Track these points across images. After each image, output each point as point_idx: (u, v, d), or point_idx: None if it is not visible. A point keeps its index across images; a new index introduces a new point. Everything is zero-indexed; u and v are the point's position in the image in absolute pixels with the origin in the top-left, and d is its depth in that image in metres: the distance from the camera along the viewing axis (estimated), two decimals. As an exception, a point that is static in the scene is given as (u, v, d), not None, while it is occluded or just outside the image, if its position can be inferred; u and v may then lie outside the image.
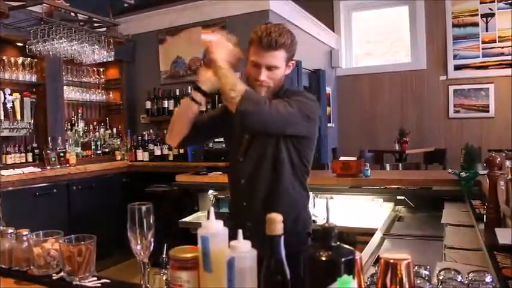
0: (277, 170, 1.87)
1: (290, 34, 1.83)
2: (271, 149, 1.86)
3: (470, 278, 1.25)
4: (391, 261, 0.88)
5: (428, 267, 1.37)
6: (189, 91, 1.89)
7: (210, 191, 3.73)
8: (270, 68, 1.80)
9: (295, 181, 1.93)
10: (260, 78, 1.81)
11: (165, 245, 1.55)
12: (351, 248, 0.84)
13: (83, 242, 1.22)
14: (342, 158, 3.71)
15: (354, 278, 0.81)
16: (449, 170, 3.31)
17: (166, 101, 5.44)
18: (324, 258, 0.80)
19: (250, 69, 1.86)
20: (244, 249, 0.87)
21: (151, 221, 1.14)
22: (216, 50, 1.74)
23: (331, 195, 3.47)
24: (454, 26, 7.06)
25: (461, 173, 3.00)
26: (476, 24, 6.94)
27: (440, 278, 1.28)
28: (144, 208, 1.13)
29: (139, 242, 1.12)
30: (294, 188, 1.93)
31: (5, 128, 4.34)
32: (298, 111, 1.77)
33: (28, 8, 4.17)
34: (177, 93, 5.42)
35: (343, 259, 0.79)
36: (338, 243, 0.83)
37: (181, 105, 1.96)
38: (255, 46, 1.82)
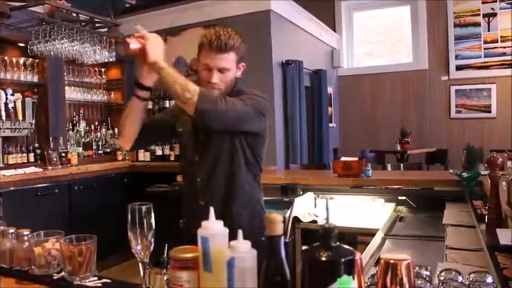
0: (233, 168, 1.90)
1: (239, 37, 1.87)
2: (226, 147, 1.89)
3: (471, 279, 1.25)
4: (391, 261, 0.88)
5: (429, 267, 1.37)
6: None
7: (211, 191, 3.72)
8: (221, 70, 1.83)
9: (250, 177, 1.98)
10: (213, 81, 1.82)
11: (166, 245, 1.56)
12: (351, 248, 0.84)
13: (83, 242, 1.23)
14: (343, 158, 3.70)
15: (353, 278, 0.80)
16: (451, 171, 3.30)
17: (167, 101, 5.43)
18: (323, 259, 0.80)
19: (202, 73, 1.88)
20: (244, 249, 0.87)
21: (151, 221, 1.15)
22: (151, 51, 1.67)
23: (331, 196, 3.47)
24: (455, 25, 7.06)
25: (462, 174, 2.99)
26: (478, 24, 6.93)
27: (441, 278, 1.28)
28: (144, 208, 1.13)
29: (139, 242, 1.13)
30: (249, 184, 1.97)
31: (7, 128, 4.34)
32: (253, 108, 1.81)
33: (29, 9, 4.18)
34: (179, 94, 5.41)
35: (343, 259, 0.79)
36: (338, 243, 0.82)
37: (128, 105, 1.92)
38: (206, 50, 1.84)
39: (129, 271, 2.93)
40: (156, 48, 1.68)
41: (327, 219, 0.85)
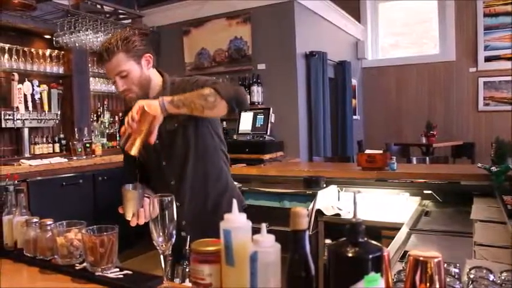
0: (205, 160, 1.86)
1: (122, 35, 1.75)
2: (193, 142, 1.83)
3: (503, 278, 1.20)
4: (421, 258, 0.85)
5: (458, 264, 1.32)
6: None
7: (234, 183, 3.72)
8: (120, 75, 1.74)
9: (221, 162, 1.96)
10: (119, 89, 1.76)
11: (188, 236, 1.55)
12: (379, 244, 0.81)
13: (105, 233, 1.22)
14: (367, 151, 3.65)
15: (381, 275, 0.77)
16: (479, 165, 3.22)
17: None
18: (350, 255, 0.77)
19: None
20: (268, 243, 0.84)
21: (173, 213, 1.13)
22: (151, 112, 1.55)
23: (358, 189, 3.41)
24: (485, 15, 6.86)
25: (491, 168, 2.91)
26: (509, 14, 6.72)
27: (471, 276, 1.24)
28: (166, 200, 1.12)
29: (160, 234, 1.11)
30: (222, 169, 1.96)
31: (33, 119, 4.41)
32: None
33: (55, 1, 4.23)
34: (202, 85, 5.41)
35: (370, 256, 0.76)
36: (365, 239, 0.79)
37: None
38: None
39: (151, 261, 2.95)
40: (149, 105, 1.56)
41: (355, 213, 0.82)
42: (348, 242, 0.79)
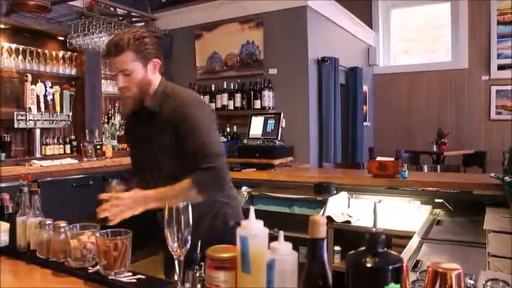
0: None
1: (135, 34, 1.76)
2: (177, 166, 1.82)
3: (520, 291, 1.18)
4: (441, 270, 0.83)
5: (473, 276, 1.31)
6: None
7: (244, 188, 3.72)
8: (123, 73, 1.75)
9: None
10: (119, 85, 1.77)
11: (199, 241, 1.54)
12: (398, 254, 0.80)
13: (118, 237, 1.21)
14: (378, 158, 3.62)
15: (401, 286, 0.76)
16: (492, 174, 3.18)
17: (202, 96, 5.44)
18: (369, 265, 0.76)
19: None
20: (285, 251, 0.84)
21: (189, 218, 1.12)
22: (128, 210, 1.70)
23: (379, 199, 3.37)
24: (499, 23, 6.80)
25: (505, 178, 2.87)
26: (523, 22, 6.66)
27: (488, 288, 1.22)
28: (182, 205, 1.11)
29: (176, 239, 1.11)
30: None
31: (45, 120, 4.43)
32: (213, 145, 1.75)
33: (69, 3, 4.26)
34: (213, 89, 5.43)
35: (390, 267, 0.75)
36: (385, 249, 0.78)
37: None
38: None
39: (152, 266, 2.94)
40: (128, 206, 1.71)
41: (375, 223, 0.81)
42: (367, 252, 0.78)
